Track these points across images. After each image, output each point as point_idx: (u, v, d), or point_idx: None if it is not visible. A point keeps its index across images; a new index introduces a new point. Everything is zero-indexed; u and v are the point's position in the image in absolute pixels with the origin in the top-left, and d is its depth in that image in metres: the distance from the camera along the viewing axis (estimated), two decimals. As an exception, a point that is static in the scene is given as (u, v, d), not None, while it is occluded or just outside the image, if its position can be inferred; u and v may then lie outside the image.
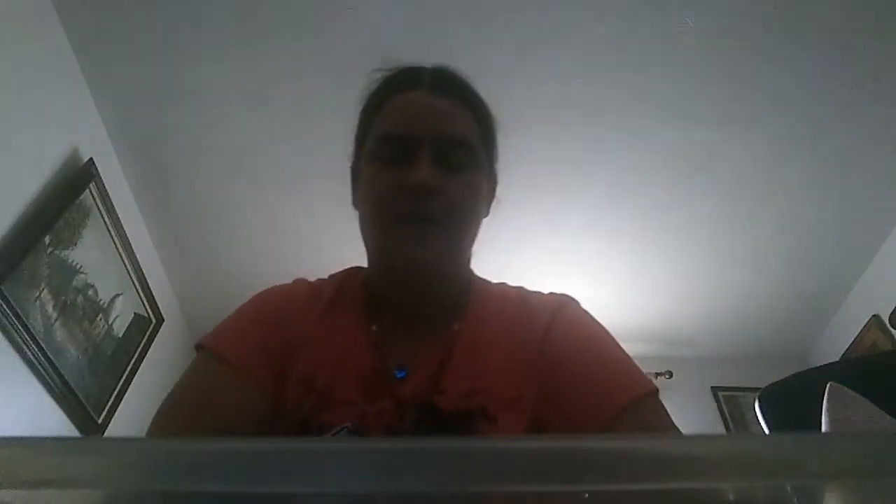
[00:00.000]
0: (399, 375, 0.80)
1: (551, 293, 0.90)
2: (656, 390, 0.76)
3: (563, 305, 0.86)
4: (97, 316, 2.42)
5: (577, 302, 0.89)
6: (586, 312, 0.88)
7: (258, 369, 0.79)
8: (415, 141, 0.80)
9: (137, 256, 2.66)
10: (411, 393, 0.78)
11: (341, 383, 0.79)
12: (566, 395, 0.76)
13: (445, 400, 0.76)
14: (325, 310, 0.87)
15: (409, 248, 0.79)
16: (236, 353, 0.80)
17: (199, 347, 0.83)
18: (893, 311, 2.81)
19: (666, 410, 0.75)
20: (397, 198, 0.79)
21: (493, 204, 0.93)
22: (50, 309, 2.14)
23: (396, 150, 0.81)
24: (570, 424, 0.73)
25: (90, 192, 2.34)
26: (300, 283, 0.93)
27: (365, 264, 0.92)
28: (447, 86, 0.86)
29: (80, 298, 2.32)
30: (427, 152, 0.79)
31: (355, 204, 0.90)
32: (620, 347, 0.82)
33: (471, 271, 0.94)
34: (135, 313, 2.68)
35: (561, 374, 0.77)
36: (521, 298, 0.89)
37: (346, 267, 0.96)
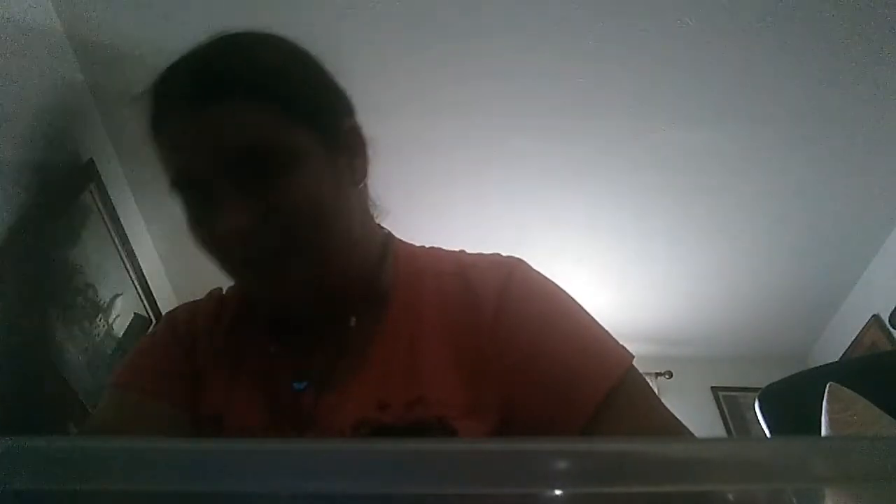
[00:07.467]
0: (297, 388, 0.69)
1: (494, 256, 0.78)
2: (631, 359, 0.66)
3: (508, 278, 0.72)
4: (97, 316, 2.41)
5: (524, 265, 0.76)
6: (537, 277, 0.75)
7: (173, 389, 0.73)
8: (204, 184, 0.66)
9: (137, 256, 2.66)
10: (343, 422, 0.65)
11: (253, 426, 0.69)
12: (534, 391, 0.65)
13: (390, 415, 0.65)
14: (227, 328, 0.78)
15: (266, 295, 0.69)
16: (144, 379, 0.73)
17: (107, 384, 0.76)
18: (893, 311, 2.81)
19: (647, 384, 0.67)
20: (221, 249, 0.69)
21: (370, 166, 0.76)
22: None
23: (193, 198, 0.69)
24: (544, 426, 0.64)
25: (90, 192, 2.34)
26: (211, 296, 0.84)
27: None
28: (213, 88, 0.67)
29: (79, 298, 2.31)
30: (223, 191, 0.65)
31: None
32: (583, 314, 0.71)
33: (384, 242, 0.79)
34: (135, 313, 2.68)
35: (524, 365, 0.66)
36: (459, 274, 0.74)
37: None
